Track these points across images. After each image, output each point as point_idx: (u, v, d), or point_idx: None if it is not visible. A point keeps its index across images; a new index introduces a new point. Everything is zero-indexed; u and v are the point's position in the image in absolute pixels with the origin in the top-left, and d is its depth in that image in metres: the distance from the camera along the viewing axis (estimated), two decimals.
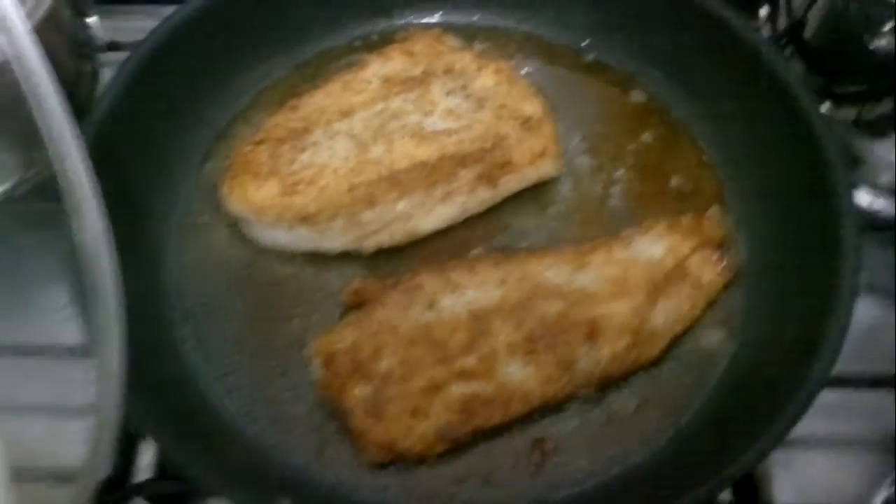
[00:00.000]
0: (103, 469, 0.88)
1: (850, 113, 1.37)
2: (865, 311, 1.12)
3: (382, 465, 1.12)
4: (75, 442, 1.10)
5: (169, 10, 1.45)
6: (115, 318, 0.84)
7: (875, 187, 1.40)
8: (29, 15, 1.10)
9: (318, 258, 1.26)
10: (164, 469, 1.17)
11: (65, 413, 1.18)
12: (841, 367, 1.08)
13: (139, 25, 1.47)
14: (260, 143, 1.27)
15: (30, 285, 1.30)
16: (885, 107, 1.34)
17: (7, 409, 1.03)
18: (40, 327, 1.27)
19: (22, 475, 0.97)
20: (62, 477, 1.07)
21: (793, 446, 1.20)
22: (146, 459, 1.18)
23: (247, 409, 1.17)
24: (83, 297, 1.02)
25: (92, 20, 1.47)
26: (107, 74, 1.47)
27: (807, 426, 1.06)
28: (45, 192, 1.27)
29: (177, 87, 1.30)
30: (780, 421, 1.04)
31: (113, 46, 1.48)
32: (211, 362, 1.19)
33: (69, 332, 1.21)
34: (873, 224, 1.35)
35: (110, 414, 0.86)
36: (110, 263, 0.83)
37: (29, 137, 1.22)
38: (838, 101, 1.38)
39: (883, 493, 1.18)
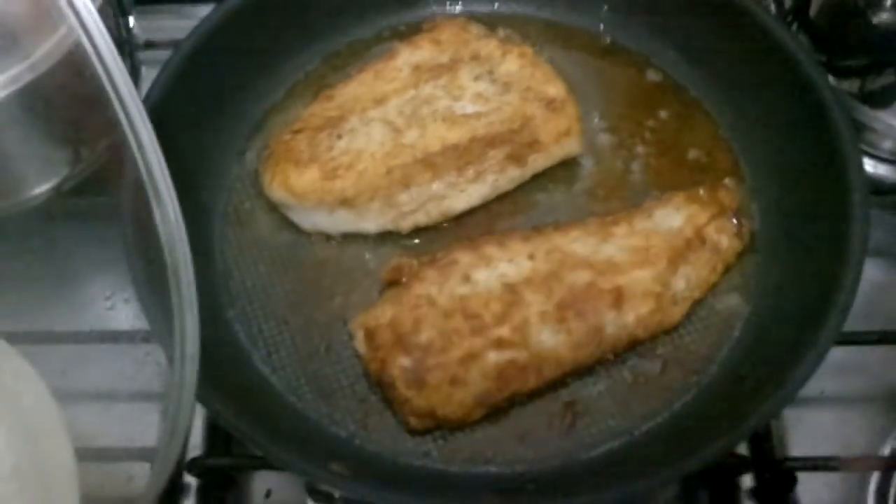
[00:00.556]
0: (181, 448, 0.90)
1: (853, 84, 1.39)
2: (870, 273, 1.13)
3: (424, 432, 1.14)
4: (127, 424, 1.16)
5: (199, 9, 1.52)
6: (191, 303, 0.86)
7: (878, 154, 1.42)
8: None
9: (357, 239, 1.27)
10: (212, 446, 1.21)
11: (116, 397, 1.21)
12: (848, 325, 1.09)
13: (172, 24, 1.53)
14: (299, 131, 1.28)
15: (77, 276, 1.33)
16: (887, 78, 1.37)
17: (62, 394, 1.03)
18: (88, 316, 1.29)
19: (83, 455, 0.99)
20: (116, 456, 1.13)
21: (805, 402, 1.24)
22: (195, 438, 1.21)
23: (294, 383, 1.18)
24: (151, 285, 1.06)
25: (130, 19, 1.49)
26: (144, 73, 1.49)
27: (817, 383, 1.11)
28: (91, 188, 1.30)
29: (215, 83, 1.31)
30: (793, 377, 1.06)
31: (149, 45, 1.50)
32: (259, 341, 1.21)
33: (115, 319, 1.27)
34: (877, 189, 1.37)
35: (188, 395, 0.88)
36: (186, 250, 0.85)
37: (76, 135, 1.26)
38: (842, 74, 1.39)
39: (890, 444, 1.21)
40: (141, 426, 1.18)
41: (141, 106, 0.81)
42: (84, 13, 0.78)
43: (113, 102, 0.81)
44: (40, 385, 1.02)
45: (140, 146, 0.82)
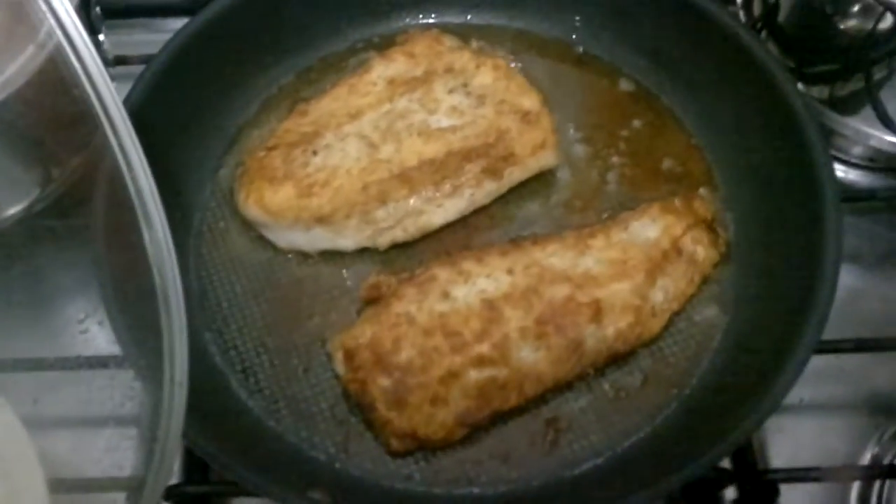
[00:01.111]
0: (169, 475, 0.85)
1: (823, 91, 1.36)
2: (843, 279, 1.10)
3: (406, 454, 1.10)
4: (100, 452, 1.09)
5: (170, 23, 1.46)
6: (181, 326, 0.81)
7: (848, 160, 1.40)
8: (48, 34, 1.05)
9: (334, 257, 1.22)
10: (189, 473, 1.15)
11: (89, 423, 1.14)
12: (824, 333, 1.07)
13: (143, 39, 1.47)
14: (273, 148, 1.23)
15: (48, 300, 1.26)
16: (855, 84, 1.33)
17: (32, 422, 0.98)
18: (60, 340, 1.23)
19: (56, 486, 0.95)
20: (93, 487, 1.06)
21: (785, 412, 1.21)
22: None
23: (272, 407, 1.14)
24: (124, 308, 1.00)
25: (100, 36, 1.43)
26: (115, 88, 1.42)
27: (797, 391, 1.06)
28: (62, 209, 1.24)
29: (187, 99, 1.26)
30: (775, 388, 1.03)
31: (120, 60, 1.44)
32: (235, 363, 1.16)
33: (87, 344, 1.20)
34: (848, 195, 1.33)
35: (176, 421, 0.83)
36: (176, 272, 0.81)
37: (47, 155, 1.20)
38: (811, 81, 1.36)
39: (870, 452, 1.19)
40: (116, 455, 1.11)
41: (130, 126, 0.77)
42: (72, 31, 0.74)
43: (101, 122, 0.76)
44: (10, 415, 0.97)
45: (129, 166, 0.77)
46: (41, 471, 0.94)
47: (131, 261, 0.83)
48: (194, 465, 1.15)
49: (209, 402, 1.09)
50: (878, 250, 1.35)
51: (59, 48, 0.75)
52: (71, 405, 1.13)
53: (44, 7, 0.74)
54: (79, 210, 1.18)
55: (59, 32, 0.74)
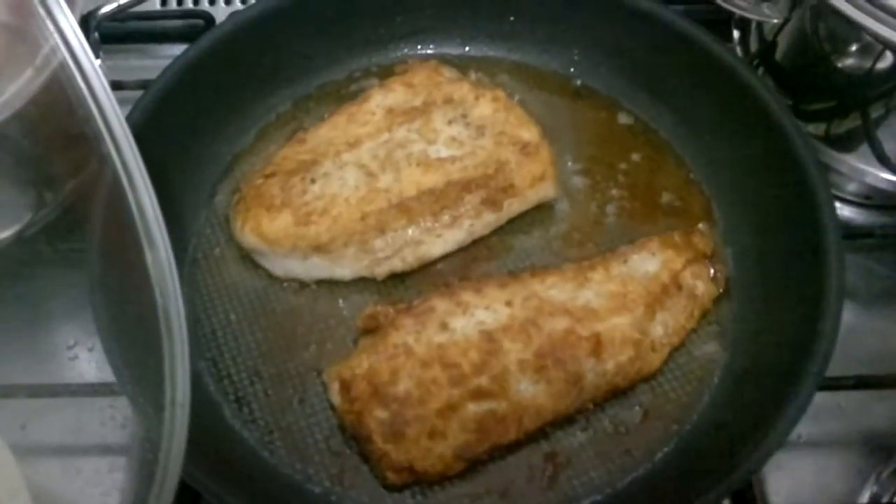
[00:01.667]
0: (171, 498, 0.82)
1: (819, 128, 1.34)
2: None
3: (402, 488, 1.07)
4: (87, 480, 1.08)
5: (166, 48, 1.46)
6: (183, 349, 0.79)
7: (844, 196, 1.38)
8: (46, 58, 1.03)
9: (331, 286, 1.20)
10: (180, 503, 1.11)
11: (77, 451, 1.12)
12: None
13: (139, 64, 1.46)
14: (270, 175, 1.21)
15: (38, 326, 1.23)
16: (852, 122, 1.31)
17: (20, 449, 0.96)
18: (50, 367, 1.20)
19: None
20: None
21: (783, 449, 1.15)
22: None
23: (266, 437, 1.10)
24: (118, 335, 0.97)
25: (97, 61, 1.39)
26: None
27: (794, 429, 1.03)
28: (52, 235, 1.21)
29: (184, 125, 1.23)
30: (779, 424, 1.01)
31: (116, 85, 1.40)
32: (229, 393, 1.13)
33: (76, 371, 1.18)
34: (844, 232, 1.31)
35: (178, 442, 0.81)
36: (178, 294, 0.79)
37: (39, 179, 1.17)
38: (808, 118, 1.35)
39: (869, 490, 1.17)
40: (106, 482, 1.09)
41: (136, 148, 0.76)
42: (78, 51, 0.73)
43: (105, 141, 0.75)
44: None
45: (134, 189, 0.77)
46: (29, 499, 0.92)
47: (128, 284, 0.83)
48: (186, 496, 1.10)
49: (203, 431, 1.04)
50: (874, 288, 1.33)
51: (63, 68, 0.74)
52: (59, 432, 1.11)
53: (50, 26, 0.73)
54: (69, 235, 1.17)
55: (64, 52, 0.73)
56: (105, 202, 0.86)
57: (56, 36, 0.73)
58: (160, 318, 0.78)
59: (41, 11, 0.73)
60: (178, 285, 0.79)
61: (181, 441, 0.81)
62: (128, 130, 0.75)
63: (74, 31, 0.73)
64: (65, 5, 0.73)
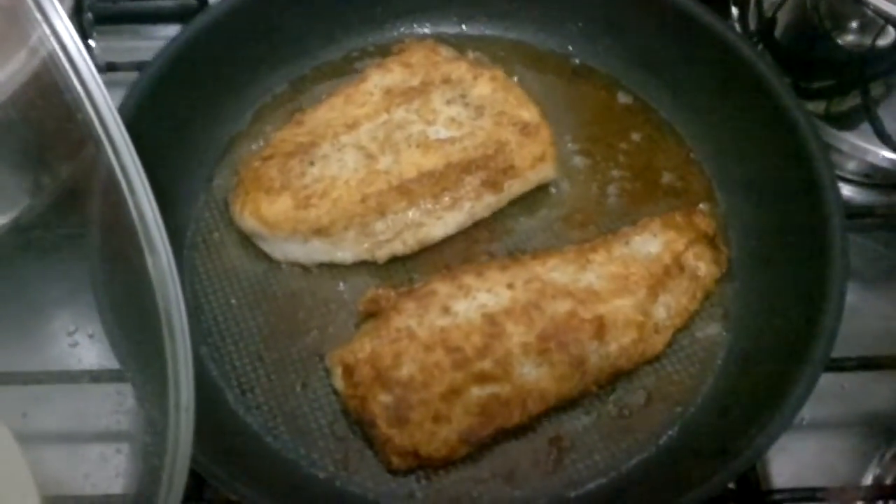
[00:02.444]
0: (178, 500, 0.82)
1: (819, 106, 1.33)
2: None
3: (407, 472, 1.06)
4: (91, 466, 1.08)
5: (161, 29, 1.44)
6: (185, 353, 0.79)
7: (844, 175, 1.36)
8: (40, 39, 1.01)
9: (331, 269, 1.19)
10: (185, 490, 1.09)
11: (79, 438, 1.12)
12: None
13: (134, 45, 1.43)
14: (269, 158, 1.19)
15: (38, 312, 1.22)
16: (852, 100, 1.30)
17: (21, 436, 0.96)
18: (51, 353, 1.19)
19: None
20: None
21: (787, 431, 1.16)
22: None
23: (270, 423, 1.09)
24: (122, 324, 0.95)
25: (91, 42, 1.38)
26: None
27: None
28: (51, 220, 1.19)
29: (181, 108, 1.22)
30: (785, 406, 1.01)
31: (111, 67, 1.38)
32: (232, 379, 1.12)
33: (77, 357, 1.17)
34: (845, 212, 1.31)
35: (183, 449, 0.80)
36: (180, 298, 0.78)
37: (37, 164, 1.15)
38: (808, 96, 1.33)
39: (873, 472, 1.17)
40: (109, 468, 1.09)
41: (134, 151, 0.76)
42: (66, 38, 0.73)
43: (96, 130, 0.75)
44: (2, 428, 0.95)
45: (133, 192, 0.76)
46: (35, 487, 0.92)
47: (130, 273, 0.81)
48: (191, 481, 1.08)
49: (206, 417, 1.02)
50: (874, 268, 1.33)
51: (52, 55, 0.73)
52: (61, 419, 1.10)
53: (37, 14, 0.73)
54: (68, 220, 1.15)
55: (52, 40, 0.73)
56: (103, 189, 0.84)
57: (41, 21, 0.73)
58: (161, 321, 0.77)
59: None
60: (179, 289, 0.78)
61: (187, 445, 0.80)
62: (118, 118, 0.74)
63: (60, 16, 0.73)
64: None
